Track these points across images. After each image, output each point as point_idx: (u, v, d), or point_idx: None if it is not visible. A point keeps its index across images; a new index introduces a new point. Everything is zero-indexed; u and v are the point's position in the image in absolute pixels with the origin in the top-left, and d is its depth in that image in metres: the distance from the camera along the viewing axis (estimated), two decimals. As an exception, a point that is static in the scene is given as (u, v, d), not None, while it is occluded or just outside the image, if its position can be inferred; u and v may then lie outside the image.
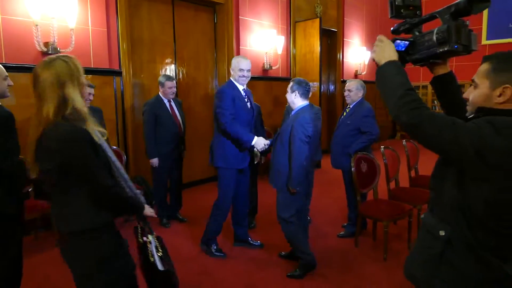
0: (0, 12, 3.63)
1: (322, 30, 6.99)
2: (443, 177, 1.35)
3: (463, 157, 1.19)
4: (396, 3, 1.45)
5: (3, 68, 2.22)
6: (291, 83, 3.00)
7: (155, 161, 4.00)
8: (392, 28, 1.60)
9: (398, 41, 1.47)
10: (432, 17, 1.46)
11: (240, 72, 3.22)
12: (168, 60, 5.42)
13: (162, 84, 4.03)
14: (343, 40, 8.51)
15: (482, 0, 1.29)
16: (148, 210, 1.84)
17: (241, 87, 3.29)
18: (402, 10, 1.46)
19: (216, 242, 3.45)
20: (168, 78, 4.06)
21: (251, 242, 3.61)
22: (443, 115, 1.35)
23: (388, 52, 1.44)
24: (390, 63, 1.42)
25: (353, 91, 3.81)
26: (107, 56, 4.45)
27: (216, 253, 3.40)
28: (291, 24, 7.07)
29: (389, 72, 1.40)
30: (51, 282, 2.98)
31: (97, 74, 4.36)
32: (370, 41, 9.54)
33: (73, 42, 4.00)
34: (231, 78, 3.34)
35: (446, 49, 1.34)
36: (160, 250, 1.84)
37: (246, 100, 3.32)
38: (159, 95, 4.09)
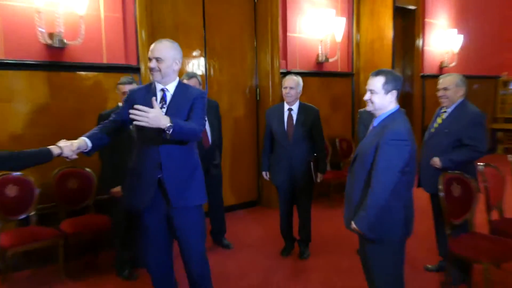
0: (-4, -4, 3.97)
1: (395, 9, 6.98)
2: None
3: None
4: None
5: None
6: (381, 78, 2.68)
7: None
8: None
9: None
10: None
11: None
12: (195, 53, 5.64)
13: None
14: (423, 21, 8.43)
15: None
16: None
17: (159, 87, 2.93)
18: None
19: None
20: (186, 76, 4.29)
21: None
22: None
23: None
24: None
25: (451, 89, 3.75)
26: (123, 49, 4.72)
27: None
28: (355, 2, 7.13)
29: None
30: None
31: (111, 71, 4.63)
32: (463, 21, 9.35)
33: (83, 33, 4.28)
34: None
35: None
36: None
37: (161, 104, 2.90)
38: None
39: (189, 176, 2.92)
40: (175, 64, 2.86)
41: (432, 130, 3.87)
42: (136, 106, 2.54)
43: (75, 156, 2.67)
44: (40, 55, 4.22)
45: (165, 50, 2.82)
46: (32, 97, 4.23)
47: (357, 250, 2.98)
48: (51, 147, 2.59)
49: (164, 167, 2.84)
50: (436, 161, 3.72)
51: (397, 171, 2.54)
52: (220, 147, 4.60)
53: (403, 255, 2.81)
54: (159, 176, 2.84)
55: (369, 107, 2.78)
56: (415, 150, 2.63)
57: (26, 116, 4.20)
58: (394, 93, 2.69)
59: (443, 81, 3.82)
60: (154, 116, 2.53)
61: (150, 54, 2.84)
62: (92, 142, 2.78)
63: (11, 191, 3.98)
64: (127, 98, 2.98)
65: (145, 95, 2.90)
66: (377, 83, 2.68)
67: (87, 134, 2.83)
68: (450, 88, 3.75)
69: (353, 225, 2.66)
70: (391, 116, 2.70)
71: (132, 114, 2.53)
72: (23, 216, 4.04)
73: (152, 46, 2.86)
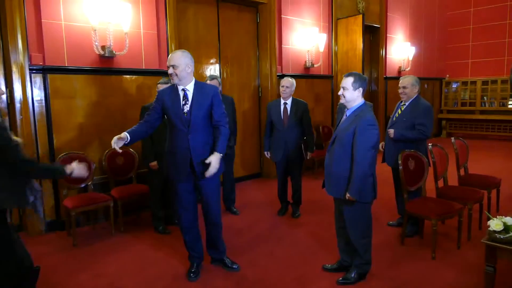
0: (63, 18, 3.94)
1: (364, 27, 6.92)
2: None
3: None
4: None
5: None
6: (351, 78, 2.71)
7: None
8: None
9: None
10: None
11: (281, 88, 3.05)
12: (212, 60, 5.60)
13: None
14: (386, 36, 8.36)
15: None
16: None
17: (180, 87, 2.88)
18: None
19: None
20: (209, 77, 4.28)
21: (228, 264, 3.22)
22: None
23: None
24: None
25: (409, 88, 3.72)
26: (157, 57, 4.69)
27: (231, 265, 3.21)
28: (333, 22, 7.06)
29: None
30: (109, 268, 3.23)
31: (148, 75, 4.61)
32: (415, 36, 9.31)
33: (127, 45, 4.25)
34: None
35: None
36: None
37: (184, 102, 2.87)
38: None
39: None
40: (188, 68, 2.83)
41: (394, 119, 3.87)
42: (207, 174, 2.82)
43: (86, 175, 2.69)
44: (95, 63, 4.20)
45: (178, 58, 2.80)
46: (89, 95, 4.21)
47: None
48: (65, 166, 2.43)
49: (192, 151, 2.86)
50: (391, 132, 3.77)
51: (372, 147, 2.63)
52: (235, 133, 4.56)
53: (370, 213, 2.87)
54: (190, 157, 2.87)
55: (342, 100, 2.83)
56: (379, 133, 2.72)
57: (85, 109, 4.19)
58: (360, 90, 2.75)
59: (402, 81, 3.80)
60: (215, 167, 2.81)
61: (167, 63, 2.85)
62: (131, 136, 2.79)
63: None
64: (158, 97, 2.94)
65: (171, 94, 2.90)
66: (348, 82, 2.74)
67: (130, 130, 2.84)
68: (408, 87, 3.74)
69: (347, 195, 2.69)
70: (360, 108, 2.76)
71: (208, 174, 2.81)
72: (83, 185, 4.06)
73: (169, 56, 2.87)
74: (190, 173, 2.92)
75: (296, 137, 4.28)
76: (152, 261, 3.36)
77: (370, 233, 2.90)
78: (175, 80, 2.84)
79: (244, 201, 4.97)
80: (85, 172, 2.54)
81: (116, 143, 2.68)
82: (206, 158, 2.83)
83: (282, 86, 4.23)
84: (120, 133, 2.77)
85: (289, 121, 4.24)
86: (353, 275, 2.90)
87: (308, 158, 4.43)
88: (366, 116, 2.67)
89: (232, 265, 3.20)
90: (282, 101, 4.29)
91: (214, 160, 2.82)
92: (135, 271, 3.18)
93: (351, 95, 2.74)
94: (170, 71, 2.81)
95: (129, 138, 2.77)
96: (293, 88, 4.28)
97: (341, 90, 2.78)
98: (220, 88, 4.27)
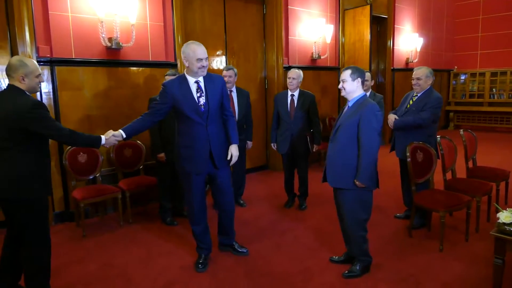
0: (70, 10, 3.94)
1: (372, 17, 6.84)
2: None
3: None
4: None
5: (38, 67, 2.46)
6: (348, 71, 2.77)
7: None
8: None
9: None
10: None
11: (198, 63, 2.77)
12: (219, 52, 5.58)
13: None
14: (393, 27, 8.25)
15: None
16: None
17: (193, 80, 2.86)
18: None
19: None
20: (224, 68, 4.31)
21: (237, 249, 3.32)
22: None
23: None
24: None
25: (423, 79, 3.67)
26: (164, 49, 4.67)
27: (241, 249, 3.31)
28: (340, 12, 6.98)
29: None
30: (118, 259, 3.26)
31: (154, 67, 4.60)
32: (423, 27, 9.19)
33: (134, 37, 4.24)
34: (184, 72, 2.93)
35: None
36: None
37: (198, 94, 2.86)
38: None
39: (226, 146, 3.04)
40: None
41: (405, 109, 3.81)
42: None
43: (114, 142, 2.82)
44: (102, 55, 4.19)
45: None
46: (96, 86, 4.22)
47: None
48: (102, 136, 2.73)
49: (211, 142, 2.91)
50: (391, 120, 3.77)
51: (378, 133, 2.69)
52: (251, 126, 4.49)
53: (371, 203, 2.87)
54: (209, 149, 2.92)
55: (342, 93, 2.86)
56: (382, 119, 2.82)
57: (92, 100, 4.21)
58: (359, 80, 2.79)
59: (416, 72, 3.74)
60: (236, 156, 3.02)
61: (202, 55, 2.77)
62: (127, 133, 2.82)
63: (82, 158, 4.01)
64: (166, 90, 2.85)
65: (180, 86, 2.85)
66: (346, 74, 2.80)
67: (127, 125, 2.86)
68: (422, 78, 3.68)
69: (357, 182, 2.70)
70: (363, 98, 2.81)
71: (232, 163, 3.03)
72: (91, 177, 4.09)
73: (201, 49, 2.78)
74: (208, 164, 2.96)
75: (303, 129, 4.25)
76: (160, 252, 3.39)
77: (366, 225, 2.89)
78: (205, 73, 2.86)
79: (250, 194, 4.97)
80: (115, 141, 2.78)
81: (107, 142, 2.73)
82: (225, 151, 3.00)
83: (289, 78, 4.20)
84: (126, 124, 2.80)
85: (296, 113, 4.22)
86: (358, 268, 2.90)
87: (314, 150, 4.40)
88: (370, 103, 2.74)
89: (241, 249, 3.28)
90: (289, 93, 4.26)
91: (234, 150, 3.01)
92: (143, 262, 3.21)
93: (351, 86, 2.78)
94: (204, 63, 2.80)
95: (124, 135, 2.78)
96: (300, 80, 4.24)
97: (341, 83, 2.83)
98: (235, 79, 4.29)
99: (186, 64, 2.83)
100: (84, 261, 3.24)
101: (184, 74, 2.92)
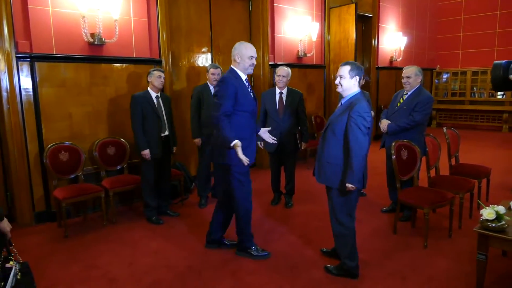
0: (50, 5, 3.84)
1: (357, 16, 6.89)
2: None
3: None
4: None
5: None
6: (348, 67, 2.70)
7: (197, 141, 4.33)
8: None
9: None
10: None
11: (250, 60, 3.00)
12: (204, 49, 5.53)
13: (207, 71, 4.30)
14: (378, 26, 8.34)
15: None
16: (8, 226, 1.91)
17: (244, 76, 3.05)
18: None
19: (254, 243, 3.27)
20: (212, 66, 4.29)
21: (225, 242, 3.39)
22: None
23: None
24: None
25: (412, 77, 3.76)
26: (148, 46, 4.61)
27: (260, 254, 3.21)
28: (326, 10, 7.01)
29: None
30: (101, 259, 3.20)
31: (139, 64, 4.53)
32: (407, 26, 9.31)
33: (117, 33, 4.16)
34: (232, 67, 3.05)
35: None
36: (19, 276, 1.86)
37: (249, 90, 3.10)
38: (207, 82, 4.33)
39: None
40: None
41: (396, 107, 3.88)
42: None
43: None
44: (84, 51, 4.10)
45: None
46: (79, 83, 4.13)
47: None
48: None
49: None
50: (385, 125, 3.86)
51: (366, 134, 2.62)
52: None
53: (356, 203, 2.82)
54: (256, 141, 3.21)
55: (338, 89, 2.80)
56: (372, 120, 2.75)
57: (75, 98, 4.11)
58: (357, 78, 2.72)
59: (406, 71, 3.81)
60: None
61: (254, 54, 3.04)
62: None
63: (64, 156, 3.93)
64: (232, 82, 2.96)
65: (240, 83, 3.01)
66: (345, 70, 2.71)
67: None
68: (412, 76, 3.76)
69: (348, 185, 2.63)
70: (355, 96, 2.72)
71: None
72: (73, 176, 4.01)
73: (253, 48, 3.04)
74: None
75: (291, 127, 4.25)
76: (145, 252, 3.34)
77: (352, 226, 2.82)
78: (252, 71, 3.13)
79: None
80: None
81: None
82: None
83: (279, 76, 4.18)
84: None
85: (285, 111, 4.21)
86: (335, 270, 2.91)
87: (302, 148, 4.42)
88: (361, 103, 2.64)
89: (231, 241, 3.40)
90: (278, 91, 4.25)
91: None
92: (127, 262, 3.16)
93: (348, 83, 2.71)
94: (254, 61, 3.05)
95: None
96: (289, 78, 4.25)
97: (338, 78, 2.74)
98: (207, 77, 4.34)
99: (238, 61, 3.00)
100: (66, 262, 3.17)
101: (234, 70, 3.03)
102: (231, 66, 3.07)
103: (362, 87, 4.87)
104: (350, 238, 2.81)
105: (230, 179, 3.07)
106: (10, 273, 1.79)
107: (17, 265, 1.87)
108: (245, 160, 2.86)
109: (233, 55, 3.02)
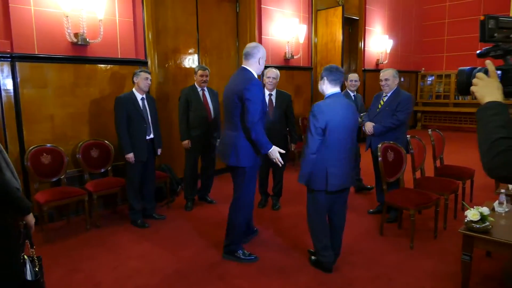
0: (32, 4, 3.76)
1: (344, 19, 6.94)
2: None
3: None
4: (489, 26, 1.25)
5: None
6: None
7: (185, 143, 4.27)
8: (478, 52, 1.35)
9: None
10: None
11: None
12: (191, 50, 5.49)
13: (195, 73, 4.28)
14: (365, 29, 8.43)
15: None
16: (33, 220, 2.07)
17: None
18: (495, 34, 1.25)
19: (242, 246, 3.26)
20: (201, 67, 4.28)
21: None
22: None
23: (491, 89, 1.19)
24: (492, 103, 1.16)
25: (391, 79, 3.87)
26: (133, 46, 4.55)
27: (248, 257, 3.19)
28: (313, 13, 7.05)
29: (487, 113, 1.15)
30: (85, 264, 3.13)
31: (124, 64, 4.47)
32: (393, 29, 9.43)
33: (102, 33, 4.10)
34: (248, 68, 2.99)
35: None
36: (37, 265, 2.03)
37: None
38: (195, 84, 4.31)
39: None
40: None
41: (377, 110, 3.97)
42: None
43: None
44: (68, 51, 4.03)
45: None
46: (62, 84, 4.05)
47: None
48: None
49: None
50: (369, 128, 3.95)
51: (314, 133, 2.71)
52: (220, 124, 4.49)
53: (322, 205, 2.87)
54: None
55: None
56: (338, 121, 2.71)
57: (57, 99, 4.03)
58: (325, 79, 2.82)
59: (383, 74, 3.91)
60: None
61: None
62: None
63: (46, 159, 3.85)
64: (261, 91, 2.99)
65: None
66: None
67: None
68: (390, 79, 3.87)
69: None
70: (328, 97, 2.83)
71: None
72: (55, 179, 3.92)
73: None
74: None
75: (281, 129, 4.25)
76: (130, 256, 3.29)
77: (319, 226, 2.92)
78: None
79: (224, 194, 4.90)
80: None
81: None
82: None
83: (268, 77, 4.17)
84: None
85: (274, 112, 4.21)
86: (313, 260, 3.06)
87: (292, 149, 4.45)
88: (317, 103, 2.79)
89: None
90: (267, 93, 4.24)
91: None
92: (111, 266, 3.11)
93: (319, 85, 2.89)
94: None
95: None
96: (278, 79, 4.25)
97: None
98: (195, 78, 4.33)
99: (260, 63, 2.99)
100: (49, 267, 3.07)
101: (250, 71, 2.98)
102: (246, 67, 2.99)
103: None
104: (320, 237, 2.92)
105: (242, 181, 3.15)
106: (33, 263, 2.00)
107: (36, 258, 2.05)
108: (280, 160, 3.01)
109: (256, 57, 2.96)
